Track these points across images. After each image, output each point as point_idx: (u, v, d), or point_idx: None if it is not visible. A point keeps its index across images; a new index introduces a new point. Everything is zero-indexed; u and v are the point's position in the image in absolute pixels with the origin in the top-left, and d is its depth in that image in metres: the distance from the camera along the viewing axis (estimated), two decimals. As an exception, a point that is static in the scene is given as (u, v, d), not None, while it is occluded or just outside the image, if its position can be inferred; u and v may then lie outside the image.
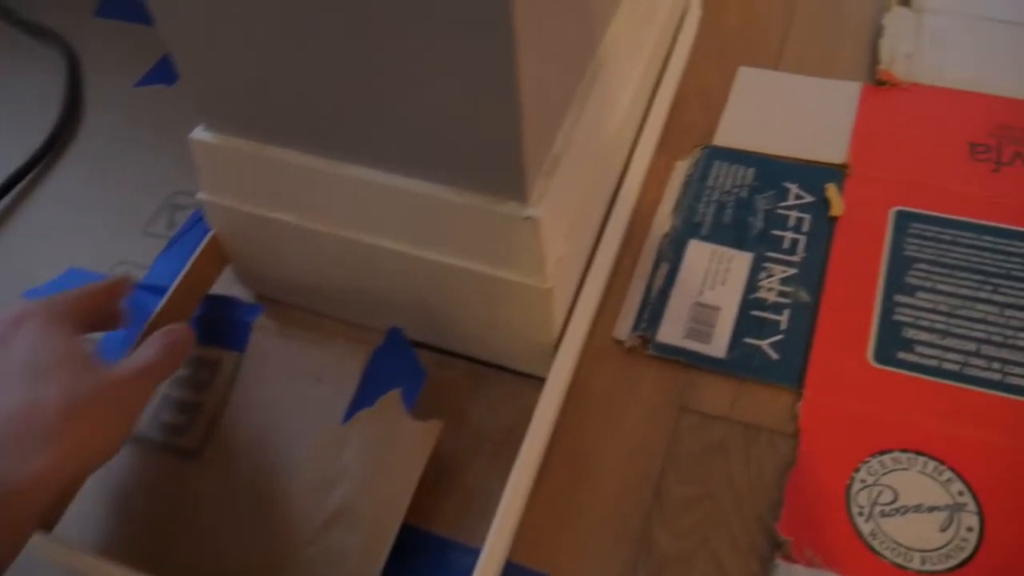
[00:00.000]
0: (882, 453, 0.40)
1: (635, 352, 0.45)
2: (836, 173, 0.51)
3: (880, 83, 0.56)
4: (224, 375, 0.44)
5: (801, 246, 0.48)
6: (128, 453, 0.43)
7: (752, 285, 0.47)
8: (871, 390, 0.42)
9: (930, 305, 0.45)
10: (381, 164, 0.38)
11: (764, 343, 0.44)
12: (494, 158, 0.35)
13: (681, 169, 0.53)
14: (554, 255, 0.39)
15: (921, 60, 0.56)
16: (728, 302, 0.46)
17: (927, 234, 0.48)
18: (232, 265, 0.48)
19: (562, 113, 0.39)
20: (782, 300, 0.46)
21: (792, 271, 0.47)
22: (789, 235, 0.49)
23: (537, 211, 0.36)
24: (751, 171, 0.52)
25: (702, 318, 0.45)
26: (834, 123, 0.54)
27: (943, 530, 0.38)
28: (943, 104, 0.54)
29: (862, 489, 0.39)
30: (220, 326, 0.45)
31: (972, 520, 0.38)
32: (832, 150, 0.52)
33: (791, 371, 0.43)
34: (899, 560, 0.37)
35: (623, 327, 0.46)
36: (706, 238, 0.49)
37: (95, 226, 0.55)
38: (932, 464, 0.39)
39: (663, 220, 0.50)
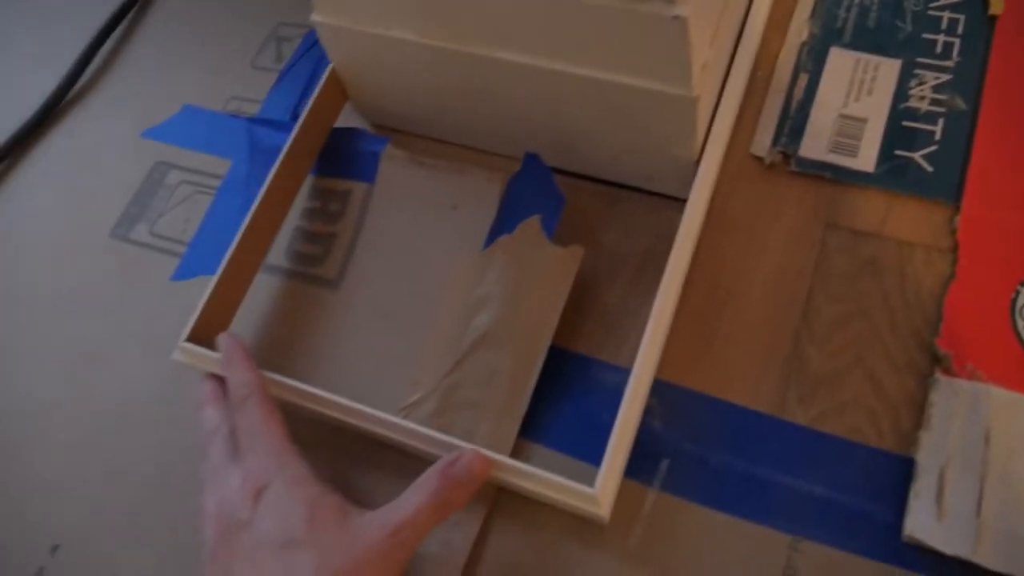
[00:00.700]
0: (1050, 265, 0.38)
1: (776, 168, 0.43)
2: (995, -33, 0.46)
3: None
4: (355, 206, 0.43)
5: (956, 50, 0.44)
6: (265, 282, 0.44)
7: (902, 94, 0.43)
8: (1037, 200, 0.39)
9: (1105, 108, 0.41)
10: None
11: (917, 155, 0.42)
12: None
13: (819, -29, 0.48)
14: (700, 61, 0.36)
15: None
16: (876, 113, 0.43)
17: (1101, 30, 0.43)
18: (351, 96, 0.47)
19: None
20: (936, 109, 0.43)
21: (946, 77, 0.43)
22: (942, 38, 0.45)
23: (685, 9, 0.34)
24: (898, -31, 0.47)
25: (848, 131, 0.43)
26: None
27: (1117, 342, 0.36)
28: None
29: (1028, 302, 0.37)
30: (347, 157, 0.45)
31: None
32: (991, -59, 0.47)
33: (948, 184, 0.41)
34: (1068, 373, 0.35)
35: (762, 143, 0.43)
36: (849, 45, 0.45)
37: (202, 62, 0.54)
38: (1106, 275, 0.37)
39: (800, 27, 0.46)
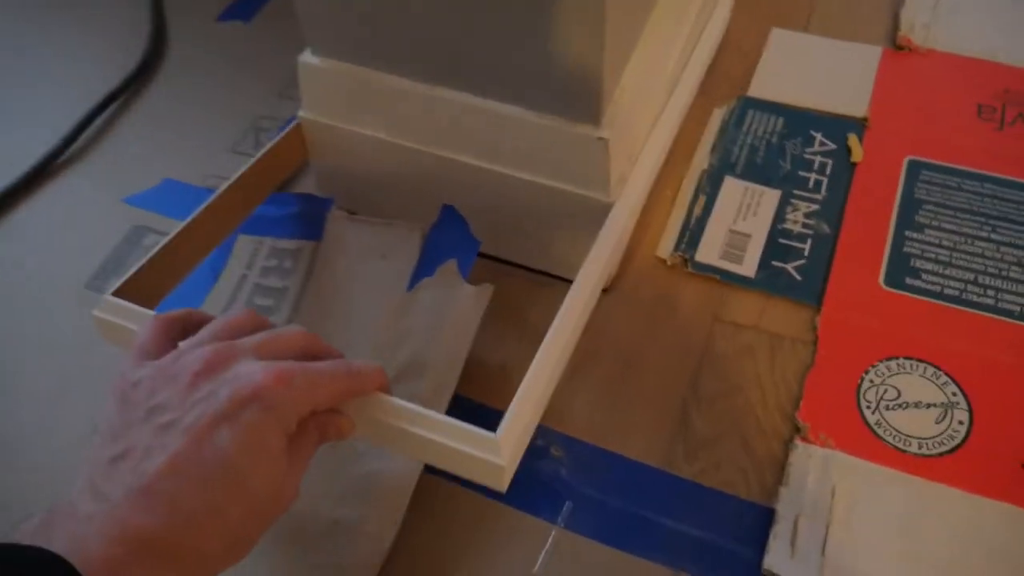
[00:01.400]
0: (888, 359, 0.46)
1: (676, 269, 0.51)
2: (857, 125, 0.57)
3: (899, 48, 0.62)
4: (304, 262, 0.50)
5: (824, 186, 0.54)
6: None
7: (780, 217, 0.53)
8: (881, 309, 0.49)
9: (935, 240, 0.51)
10: (472, 88, 0.44)
11: (789, 266, 0.51)
12: (576, 84, 0.41)
13: (719, 115, 0.59)
14: (617, 173, 0.45)
15: (938, 29, 0.62)
16: (758, 230, 0.52)
17: (935, 180, 0.54)
18: (316, 176, 0.54)
19: (630, 50, 0.45)
20: (806, 231, 0.52)
21: (815, 207, 0.53)
22: (813, 176, 0.55)
23: (607, 133, 0.43)
24: (781, 120, 0.58)
25: (735, 243, 0.52)
26: (856, 81, 0.60)
27: (938, 422, 0.44)
28: (955, 69, 0.60)
29: (870, 388, 0.46)
30: (302, 219, 0.52)
31: (963, 415, 0.44)
32: (854, 105, 0.58)
33: (812, 290, 0.50)
34: (899, 445, 0.43)
35: (666, 247, 0.52)
36: (740, 175, 0.55)
37: (185, 145, 0.61)
38: (931, 370, 0.46)
39: (702, 158, 0.56)
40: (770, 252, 0.51)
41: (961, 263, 0.50)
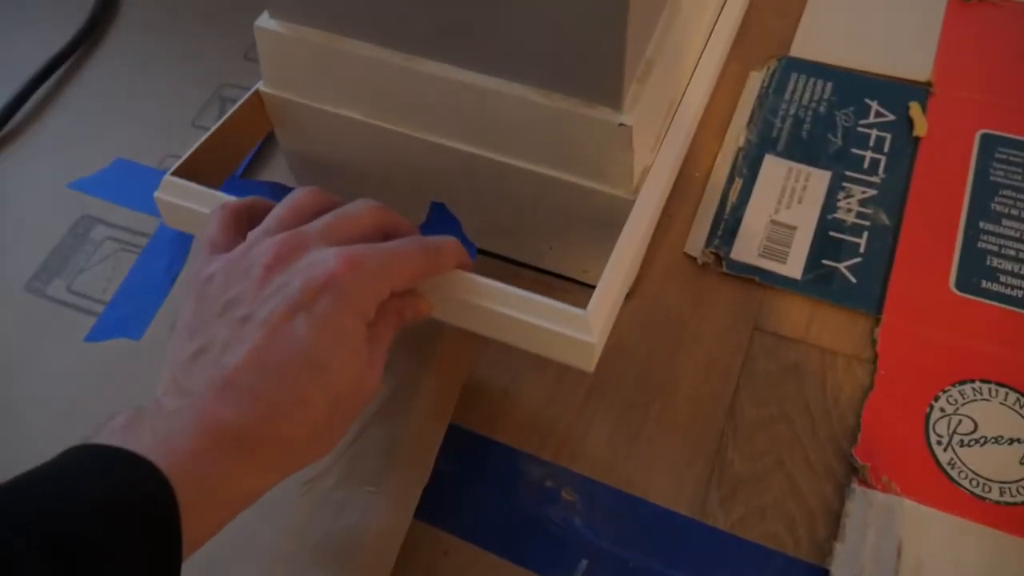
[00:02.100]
0: (962, 383, 0.39)
1: (708, 269, 0.44)
2: (920, 91, 0.49)
3: (968, -4, 0.53)
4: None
5: (882, 166, 0.46)
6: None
7: (830, 205, 0.45)
8: (952, 319, 0.41)
9: (1016, 233, 0.43)
10: (464, 61, 0.36)
11: (842, 266, 0.43)
12: (591, 56, 0.33)
13: (756, 80, 0.50)
14: (641, 165, 0.37)
15: (1013, -27, 0.53)
16: (805, 221, 0.44)
17: (1015, 159, 0.46)
18: (287, 161, 0.47)
19: (658, 12, 0.37)
20: (861, 222, 0.44)
21: (872, 192, 0.45)
22: (869, 154, 0.47)
23: (630, 118, 0.35)
24: (830, 85, 0.50)
25: (778, 237, 0.44)
26: (919, 37, 0.51)
27: (1023, 463, 0.37)
28: (1034, 21, 0.51)
29: (941, 418, 0.38)
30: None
31: (1053, 453, 0.37)
32: (916, 66, 0.50)
33: (870, 296, 0.42)
34: (977, 490, 0.36)
35: (696, 243, 0.44)
36: (782, 154, 0.47)
37: (140, 117, 0.53)
38: (1013, 395, 0.39)
39: (738, 133, 0.48)
40: (819, 248, 0.44)
41: (1047, 262, 0.42)
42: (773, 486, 0.38)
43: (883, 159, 0.46)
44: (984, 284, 0.42)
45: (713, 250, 0.44)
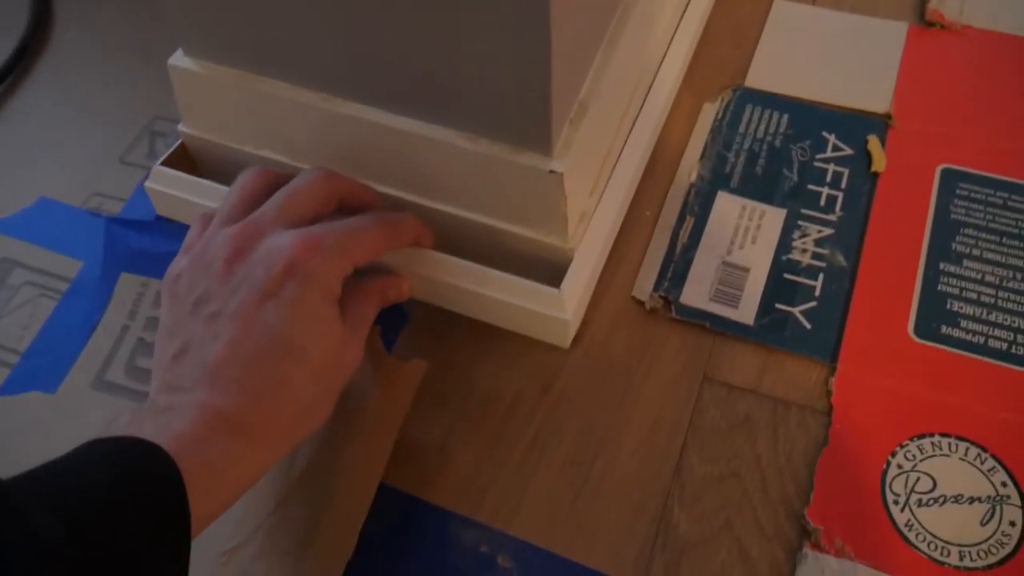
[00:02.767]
0: (921, 437, 0.37)
1: (656, 314, 0.41)
2: (878, 124, 0.47)
3: (929, 24, 0.51)
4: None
5: (839, 204, 0.44)
6: (104, 402, 0.40)
7: (785, 245, 0.43)
8: (911, 367, 0.39)
9: (977, 275, 0.41)
10: (385, 103, 0.34)
11: (796, 310, 0.41)
12: (516, 100, 0.31)
13: (710, 112, 0.48)
14: (577, 212, 0.35)
15: (974, 1, 0.51)
16: (758, 263, 0.42)
17: (976, 196, 0.44)
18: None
19: (592, 51, 0.35)
20: (817, 263, 0.42)
21: (828, 231, 0.43)
22: (826, 191, 0.45)
23: (562, 164, 0.32)
24: (786, 117, 0.48)
25: (730, 280, 0.42)
26: (877, 68, 0.49)
27: (984, 524, 0.35)
28: (996, 50, 0.50)
29: (898, 475, 0.36)
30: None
31: (1015, 514, 0.35)
32: (875, 98, 0.48)
33: (825, 343, 0.40)
34: (936, 555, 0.34)
35: (644, 286, 0.42)
36: (736, 190, 0.45)
37: (66, 152, 0.50)
38: (974, 451, 0.37)
39: (690, 168, 0.46)
40: (773, 292, 0.41)
41: (1009, 306, 0.40)
42: (720, 550, 0.35)
43: (840, 196, 0.44)
44: (944, 329, 0.40)
45: (662, 294, 0.42)
